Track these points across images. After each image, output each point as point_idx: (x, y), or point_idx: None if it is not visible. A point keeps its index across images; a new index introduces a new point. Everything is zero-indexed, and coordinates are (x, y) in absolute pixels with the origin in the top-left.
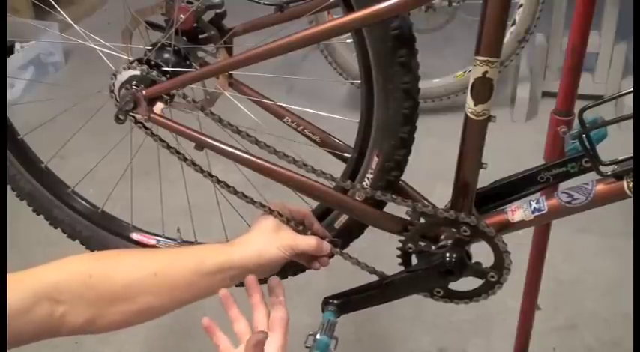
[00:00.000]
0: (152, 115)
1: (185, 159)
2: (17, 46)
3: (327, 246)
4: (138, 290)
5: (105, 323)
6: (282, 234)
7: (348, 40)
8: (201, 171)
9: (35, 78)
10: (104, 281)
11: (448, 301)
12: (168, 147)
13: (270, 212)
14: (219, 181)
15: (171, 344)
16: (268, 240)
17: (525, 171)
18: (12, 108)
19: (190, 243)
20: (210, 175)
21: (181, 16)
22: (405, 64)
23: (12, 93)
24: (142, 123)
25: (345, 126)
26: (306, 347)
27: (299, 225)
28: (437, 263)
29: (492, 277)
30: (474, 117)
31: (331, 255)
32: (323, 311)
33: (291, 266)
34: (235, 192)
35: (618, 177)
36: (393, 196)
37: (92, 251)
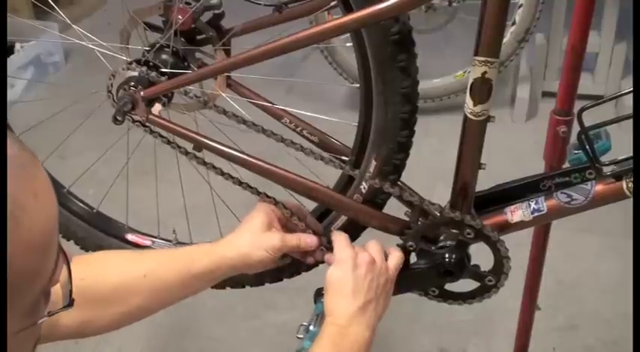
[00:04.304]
0: (150, 116)
1: (187, 153)
2: (17, 46)
3: (313, 239)
4: (128, 292)
5: (96, 326)
6: (270, 235)
7: (348, 44)
8: (204, 163)
9: (35, 78)
10: (95, 285)
11: (442, 301)
12: (169, 142)
13: (276, 203)
14: (222, 173)
15: (171, 344)
16: (255, 241)
17: (528, 178)
18: (12, 107)
19: (186, 245)
20: (214, 167)
21: (180, 17)
22: (405, 68)
23: (12, 93)
24: (139, 121)
25: (344, 127)
26: (298, 337)
27: (299, 221)
28: (436, 263)
29: (490, 281)
30: (473, 117)
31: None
32: (315, 302)
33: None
34: (240, 183)
35: (617, 177)
36: (401, 189)
37: (87, 251)
